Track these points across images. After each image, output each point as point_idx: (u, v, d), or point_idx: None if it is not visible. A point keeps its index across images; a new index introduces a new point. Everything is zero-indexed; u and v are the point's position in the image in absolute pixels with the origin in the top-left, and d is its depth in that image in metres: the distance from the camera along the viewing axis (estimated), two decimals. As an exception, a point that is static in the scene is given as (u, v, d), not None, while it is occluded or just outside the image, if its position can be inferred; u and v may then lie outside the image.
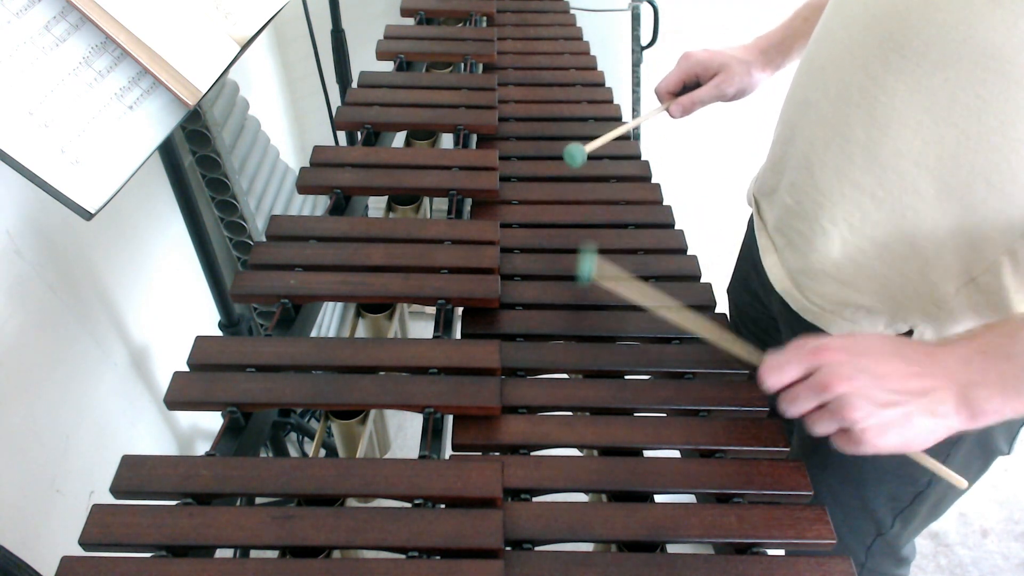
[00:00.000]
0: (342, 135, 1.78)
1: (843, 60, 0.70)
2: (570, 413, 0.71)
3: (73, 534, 0.57)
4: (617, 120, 1.13)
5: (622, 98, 1.26)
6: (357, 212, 0.97)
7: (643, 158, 1.04)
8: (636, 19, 1.82)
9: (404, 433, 1.80)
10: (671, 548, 0.61)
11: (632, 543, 0.60)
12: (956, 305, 0.70)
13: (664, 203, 0.97)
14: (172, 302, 1.38)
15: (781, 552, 0.60)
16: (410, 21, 1.36)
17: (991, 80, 0.58)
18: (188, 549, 0.57)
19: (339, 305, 1.93)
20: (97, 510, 0.58)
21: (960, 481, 0.60)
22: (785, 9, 0.97)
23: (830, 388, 0.54)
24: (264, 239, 0.85)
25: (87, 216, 0.73)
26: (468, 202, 0.98)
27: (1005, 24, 0.56)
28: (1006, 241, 0.64)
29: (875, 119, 0.67)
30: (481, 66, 1.24)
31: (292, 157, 2.04)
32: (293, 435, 1.72)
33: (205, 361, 0.71)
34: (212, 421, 1.56)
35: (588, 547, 0.64)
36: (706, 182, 2.20)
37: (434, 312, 0.79)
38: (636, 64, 1.87)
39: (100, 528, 0.57)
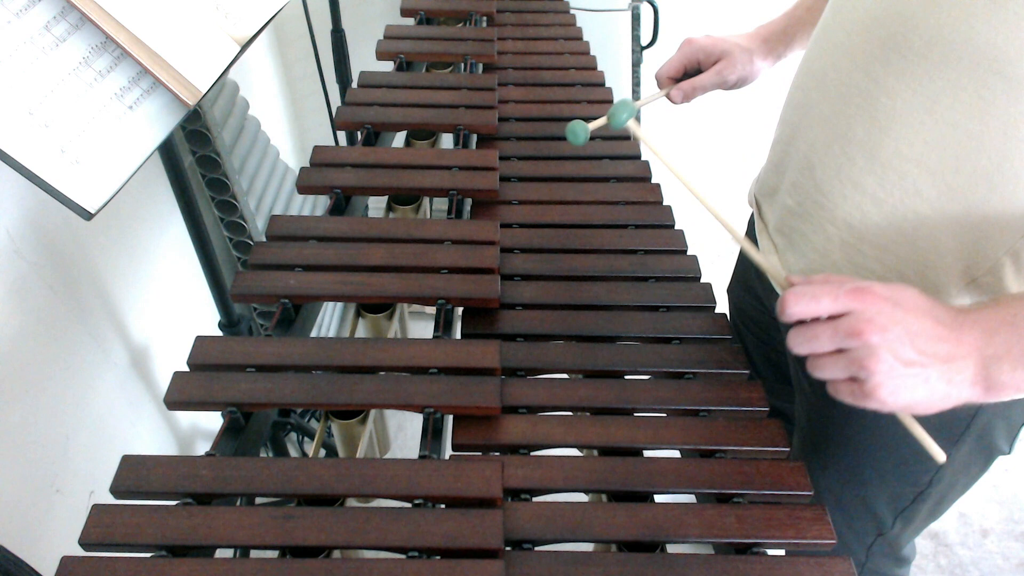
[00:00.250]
0: (342, 135, 1.78)
1: (844, 61, 0.70)
2: (570, 413, 0.71)
3: (73, 534, 0.57)
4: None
5: (622, 96, 1.26)
6: (357, 212, 0.97)
7: (643, 158, 1.04)
8: (636, 19, 1.82)
9: (404, 433, 1.80)
10: (671, 548, 0.61)
11: (632, 543, 0.60)
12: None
13: (664, 203, 0.97)
14: (172, 302, 1.38)
15: (781, 552, 0.60)
16: (410, 21, 1.36)
17: (993, 81, 0.58)
18: (188, 549, 0.57)
19: (339, 305, 1.93)
20: (97, 510, 0.58)
21: (939, 453, 0.59)
22: (785, 8, 0.97)
23: (862, 335, 0.51)
24: (264, 239, 0.85)
25: (87, 216, 0.73)
26: (468, 202, 0.98)
27: (1007, 25, 0.56)
28: (1008, 242, 0.64)
29: (876, 120, 0.67)
30: (481, 66, 1.24)
31: (292, 157, 2.04)
32: (293, 435, 1.72)
33: (205, 361, 0.71)
34: (212, 421, 1.56)
35: (588, 547, 0.64)
36: (706, 182, 2.20)
37: (434, 312, 0.79)
38: (636, 64, 1.87)
39: (100, 528, 0.57)
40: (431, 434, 0.67)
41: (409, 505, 0.60)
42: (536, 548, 0.59)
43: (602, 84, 1.21)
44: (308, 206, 1.81)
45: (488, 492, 0.60)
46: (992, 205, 0.63)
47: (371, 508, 0.59)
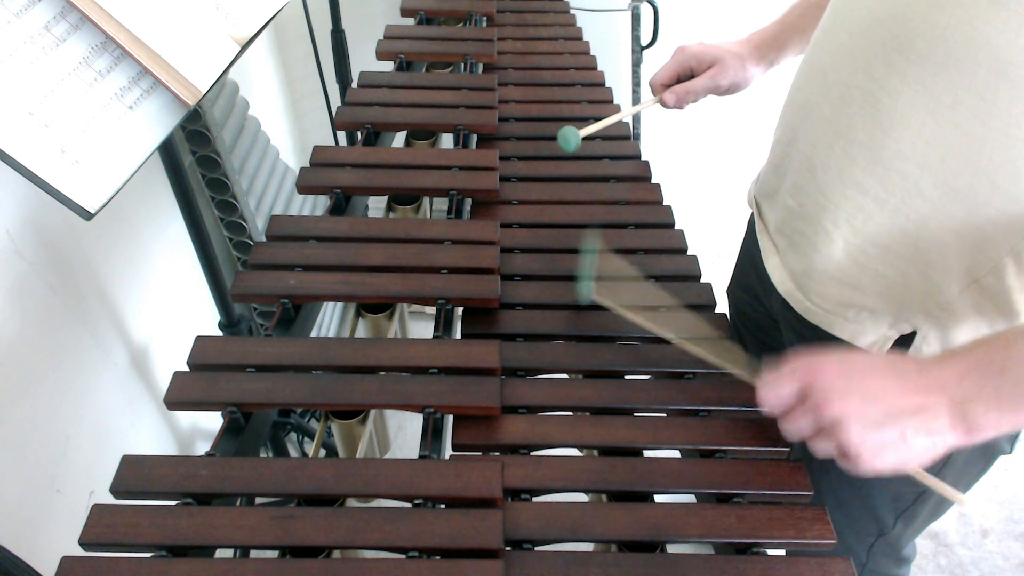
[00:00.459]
0: (342, 135, 1.78)
1: (845, 62, 0.69)
2: (570, 413, 0.71)
3: (73, 534, 0.57)
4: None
5: (622, 98, 1.27)
6: (357, 212, 0.97)
7: (643, 158, 1.04)
8: (636, 19, 1.82)
9: (404, 433, 1.80)
10: (671, 548, 0.61)
11: (632, 543, 0.60)
12: (960, 306, 0.70)
13: (664, 203, 0.97)
14: (172, 302, 1.38)
15: (781, 552, 0.60)
16: (410, 21, 1.36)
17: (995, 82, 0.58)
18: (188, 549, 0.57)
19: (339, 305, 1.93)
20: (97, 510, 0.58)
21: (960, 498, 0.60)
22: (783, 9, 0.97)
23: (822, 410, 0.54)
24: (264, 239, 0.85)
25: (87, 216, 0.73)
26: (468, 202, 0.98)
27: (1009, 26, 0.56)
28: (1010, 242, 0.64)
29: (878, 121, 0.67)
30: (481, 66, 1.24)
31: (292, 157, 2.04)
32: (293, 435, 1.72)
33: (205, 361, 0.71)
34: (212, 421, 1.56)
35: (588, 547, 0.64)
36: (706, 182, 2.20)
37: (434, 312, 0.79)
38: (636, 64, 1.87)
39: (100, 528, 0.57)
40: (431, 434, 0.67)
41: (409, 505, 0.60)
42: (536, 548, 0.59)
43: (602, 84, 1.21)
44: (308, 206, 1.81)
45: (488, 492, 0.60)
46: (994, 206, 0.63)
47: (371, 508, 0.59)
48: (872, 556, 0.93)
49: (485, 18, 1.38)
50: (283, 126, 2.01)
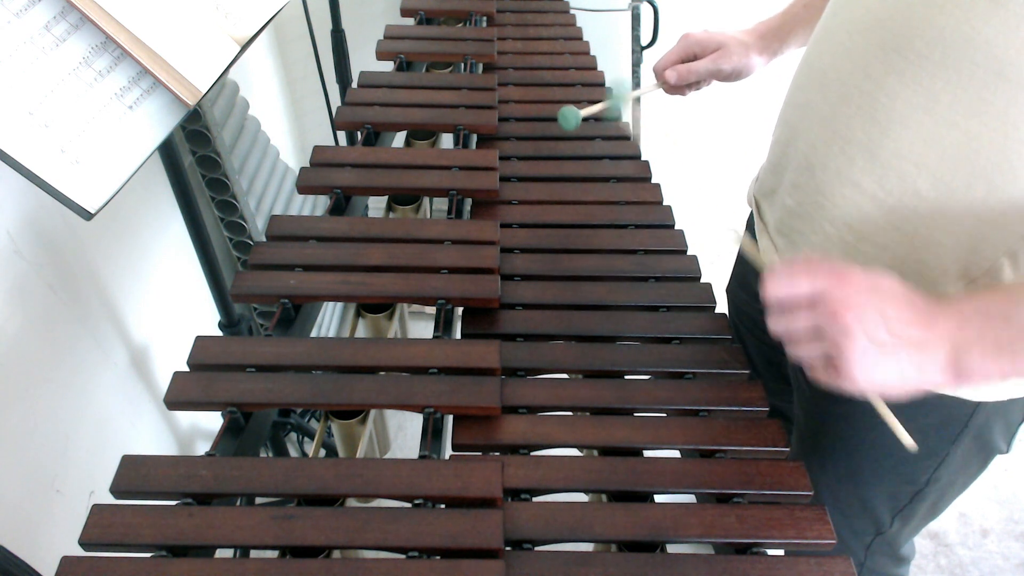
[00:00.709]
0: (342, 135, 1.78)
1: (844, 62, 0.70)
2: (570, 413, 0.71)
3: (73, 534, 0.57)
4: (617, 119, 1.13)
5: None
6: (357, 212, 0.97)
7: (643, 158, 1.04)
8: (636, 19, 1.82)
9: (404, 433, 1.80)
10: (671, 548, 0.61)
11: (632, 543, 0.60)
12: None
13: (664, 203, 0.97)
14: (172, 302, 1.38)
15: (781, 552, 0.60)
16: (410, 21, 1.36)
17: (993, 82, 0.58)
18: (188, 549, 0.57)
19: (339, 305, 1.93)
20: (97, 510, 0.58)
21: (910, 442, 0.59)
22: (784, 6, 0.97)
23: (837, 316, 0.53)
24: (264, 239, 0.85)
25: (87, 216, 0.73)
26: (468, 202, 0.98)
27: (1007, 26, 0.56)
28: (1006, 243, 0.64)
29: (876, 121, 0.67)
30: (481, 66, 1.24)
31: (292, 157, 2.04)
32: (293, 435, 1.72)
33: (205, 361, 0.71)
34: (212, 421, 1.56)
35: (588, 547, 0.64)
36: (706, 182, 2.20)
37: (434, 312, 0.79)
38: (636, 64, 1.87)
39: (100, 528, 0.57)
40: (431, 434, 0.67)
41: (409, 505, 0.60)
42: (536, 548, 0.59)
43: (602, 84, 1.21)
44: (308, 206, 1.81)
45: (488, 492, 0.60)
46: (990, 206, 0.63)
47: (371, 508, 0.59)
48: (870, 555, 0.93)
49: (485, 18, 1.38)
50: (283, 126, 2.01)
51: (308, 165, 0.96)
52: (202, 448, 1.54)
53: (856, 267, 0.56)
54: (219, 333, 1.31)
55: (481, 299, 0.79)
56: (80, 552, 0.56)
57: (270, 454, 1.52)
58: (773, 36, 0.95)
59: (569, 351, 0.76)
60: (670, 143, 2.13)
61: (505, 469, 0.63)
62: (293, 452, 1.69)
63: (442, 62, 1.25)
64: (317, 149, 0.98)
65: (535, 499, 0.63)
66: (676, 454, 0.70)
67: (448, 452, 0.67)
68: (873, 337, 0.53)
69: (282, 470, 0.62)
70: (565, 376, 0.75)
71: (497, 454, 0.67)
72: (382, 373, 0.71)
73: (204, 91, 0.85)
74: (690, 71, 0.95)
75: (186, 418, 1.46)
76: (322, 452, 0.91)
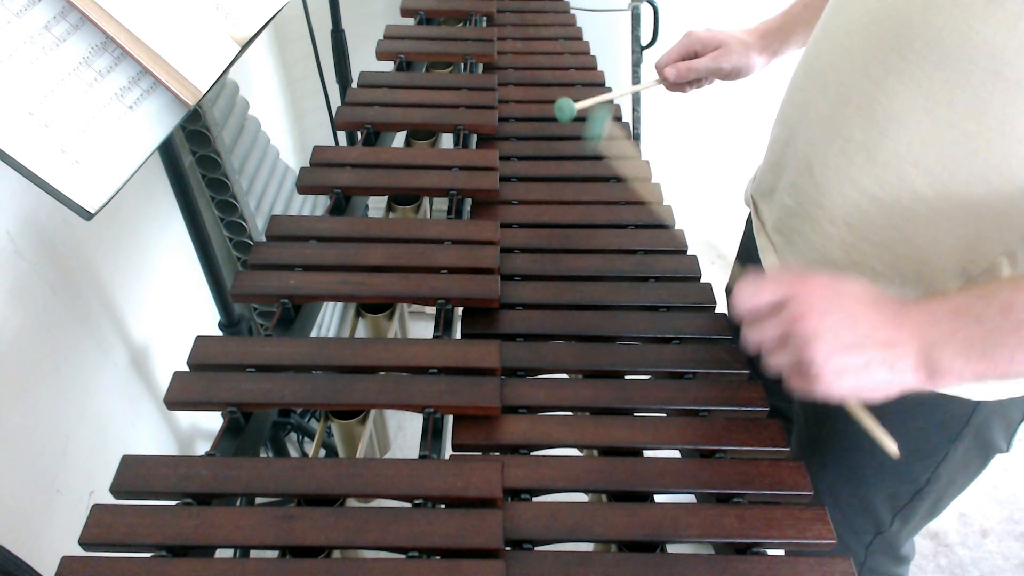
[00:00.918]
0: (342, 135, 1.78)
1: (843, 62, 0.70)
2: (570, 413, 0.71)
3: (73, 534, 0.57)
4: (616, 120, 1.13)
5: (622, 98, 1.26)
6: (357, 212, 0.97)
7: (643, 158, 1.04)
8: (636, 19, 1.82)
9: (404, 433, 1.80)
10: (671, 548, 0.61)
11: (632, 543, 0.60)
12: None
13: (664, 203, 0.97)
14: (172, 302, 1.38)
15: (781, 552, 0.60)
16: (410, 21, 1.36)
17: (991, 82, 0.58)
18: (188, 549, 0.57)
19: (339, 305, 1.92)
20: (97, 510, 0.58)
21: (892, 448, 0.59)
22: (785, 6, 0.97)
23: (800, 319, 0.53)
24: (264, 239, 0.85)
25: (87, 216, 0.73)
26: (468, 202, 0.98)
27: (1005, 26, 0.56)
28: (1004, 242, 0.64)
29: (875, 120, 0.67)
30: (481, 66, 1.24)
31: (292, 157, 2.04)
32: (293, 435, 1.72)
33: (205, 361, 0.71)
34: (212, 421, 1.56)
35: (588, 547, 0.64)
36: (706, 182, 2.20)
37: (434, 312, 0.79)
38: (636, 64, 1.87)
39: (100, 528, 0.57)
40: (431, 434, 0.67)
41: (409, 505, 0.60)
42: (536, 548, 0.59)
43: (602, 84, 1.21)
44: (308, 206, 1.81)
45: (488, 492, 0.60)
46: (988, 206, 0.63)
47: (371, 508, 0.59)
48: (870, 554, 0.93)
49: (485, 18, 1.38)
50: (283, 126, 2.01)
51: (308, 165, 0.96)
52: (202, 448, 1.54)
53: (821, 274, 0.56)
54: (219, 333, 1.31)
55: (481, 299, 0.79)
56: (80, 552, 0.56)
57: (270, 454, 1.52)
58: (774, 36, 0.96)
59: (569, 351, 0.76)
60: (670, 143, 2.13)
61: (505, 469, 0.63)
62: (293, 452, 1.69)
63: (442, 62, 1.25)
64: (317, 149, 0.98)
65: (535, 499, 0.63)
66: (676, 454, 0.70)
67: (448, 452, 0.67)
68: (839, 340, 0.53)
69: (282, 470, 0.62)
70: (565, 376, 0.75)
71: (497, 454, 0.67)
72: (382, 373, 0.71)
73: (204, 91, 0.85)
74: (689, 69, 0.96)
75: (186, 418, 1.46)
76: (322, 452, 0.91)
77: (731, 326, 0.81)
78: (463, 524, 0.58)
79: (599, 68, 1.25)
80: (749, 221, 0.98)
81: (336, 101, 1.55)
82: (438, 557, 0.57)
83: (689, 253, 0.88)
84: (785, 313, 0.55)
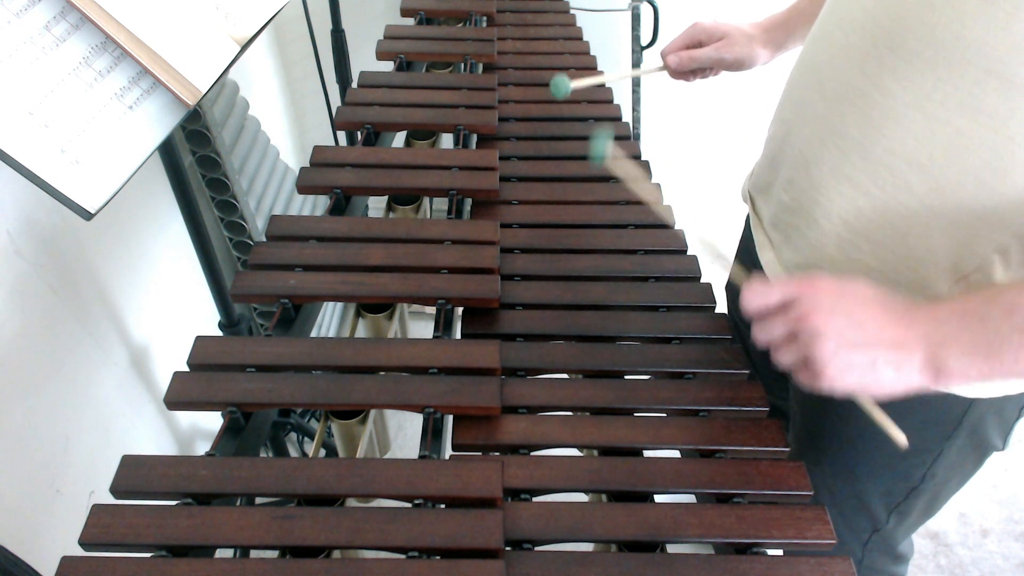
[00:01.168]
0: (342, 135, 1.78)
1: (839, 59, 0.70)
2: (570, 413, 0.71)
3: (73, 534, 0.57)
4: (617, 120, 1.13)
5: (622, 98, 1.26)
6: (357, 212, 0.97)
7: (643, 158, 1.04)
8: (636, 19, 1.82)
9: (404, 433, 1.80)
10: (671, 548, 0.61)
11: (632, 543, 0.60)
12: None
13: (664, 203, 0.97)
14: (172, 302, 1.38)
15: (781, 552, 0.60)
16: (410, 21, 1.36)
17: (984, 79, 0.58)
18: (188, 549, 0.57)
19: (339, 305, 1.92)
20: (97, 510, 0.58)
21: (901, 438, 0.60)
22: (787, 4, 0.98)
23: (806, 319, 0.55)
24: (264, 239, 0.85)
25: (87, 216, 0.73)
26: (468, 202, 0.98)
27: (998, 23, 0.56)
28: (997, 239, 0.64)
29: (870, 118, 0.67)
30: (481, 66, 1.24)
31: (292, 157, 2.04)
32: (293, 435, 1.72)
33: (205, 361, 0.71)
34: (212, 421, 1.55)
35: (588, 547, 0.64)
36: (707, 181, 2.20)
37: (434, 312, 0.79)
38: (636, 64, 1.87)
39: (100, 528, 0.57)
40: (431, 434, 0.67)
41: (409, 505, 0.60)
42: (536, 548, 0.59)
43: (602, 85, 1.21)
44: (308, 206, 1.81)
45: (488, 492, 0.60)
46: (981, 203, 0.63)
47: (371, 508, 0.59)
48: (868, 552, 0.93)
49: (485, 18, 1.38)
50: (283, 126, 2.01)
51: (308, 165, 0.96)
52: (202, 448, 1.54)
53: (828, 275, 0.58)
54: (219, 333, 1.31)
55: (481, 299, 0.79)
56: (80, 552, 0.56)
57: (270, 454, 1.52)
58: (778, 29, 0.97)
59: (569, 351, 0.76)
60: (670, 143, 2.13)
61: (505, 469, 0.63)
62: (293, 452, 1.69)
63: (442, 62, 1.25)
64: (317, 149, 0.98)
65: (535, 499, 0.63)
66: (676, 454, 0.70)
67: (448, 452, 0.67)
68: (844, 338, 0.54)
69: (282, 470, 0.62)
70: (565, 376, 0.75)
71: (497, 454, 0.67)
72: (382, 373, 0.71)
73: (204, 91, 0.85)
74: (692, 59, 0.98)
75: (186, 418, 1.46)
76: (322, 452, 0.91)
77: (732, 323, 0.82)
78: (463, 524, 0.58)
79: (599, 68, 1.25)
80: (748, 217, 0.98)
81: (336, 101, 1.55)
82: (438, 557, 0.57)
83: (689, 253, 0.88)
84: (792, 312, 0.56)
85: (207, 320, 1.36)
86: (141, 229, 1.27)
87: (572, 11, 1.47)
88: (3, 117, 0.68)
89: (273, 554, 0.58)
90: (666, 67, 1.00)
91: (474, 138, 1.07)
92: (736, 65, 0.98)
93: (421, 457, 0.65)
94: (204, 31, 0.88)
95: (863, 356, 0.54)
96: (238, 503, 0.65)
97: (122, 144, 0.78)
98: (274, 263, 0.81)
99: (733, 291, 1.08)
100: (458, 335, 0.79)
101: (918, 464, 0.81)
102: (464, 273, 0.81)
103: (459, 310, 0.81)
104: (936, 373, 0.55)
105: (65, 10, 0.75)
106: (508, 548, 0.58)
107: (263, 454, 0.92)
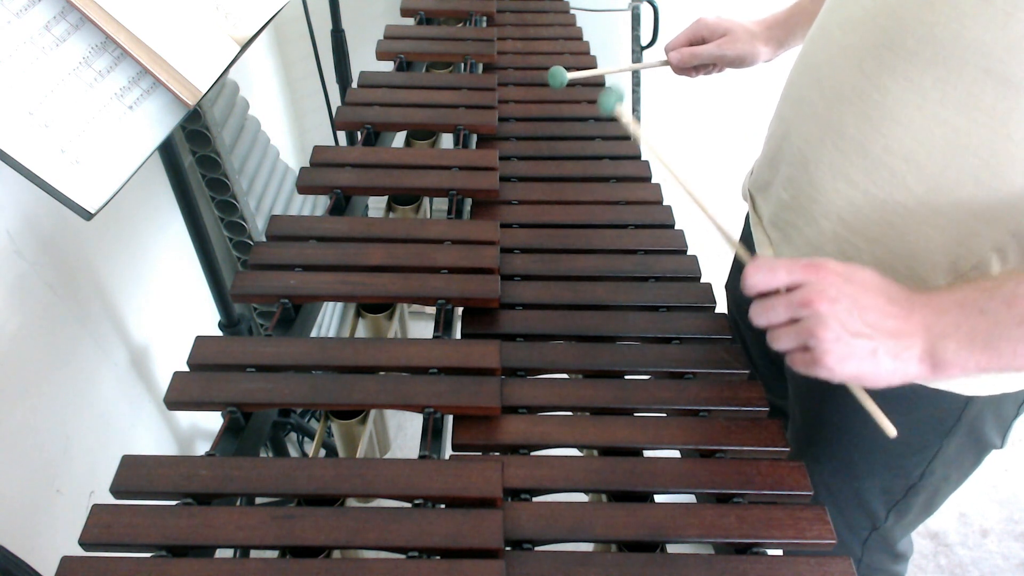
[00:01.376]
0: (342, 135, 1.78)
1: (839, 58, 0.70)
2: (570, 413, 0.71)
3: (73, 534, 0.57)
4: (616, 120, 1.13)
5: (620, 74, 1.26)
6: (357, 212, 0.97)
7: (643, 158, 1.04)
8: (636, 19, 1.82)
9: (404, 433, 1.80)
10: (671, 548, 0.61)
11: (632, 543, 0.60)
12: None
13: (664, 203, 0.97)
14: (172, 302, 1.38)
15: (781, 552, 0.60)
16: (410, 21, 1.36)
17: (981, 79, 0.58)
18: (188, 549, 0.57)
19: (339, 305, 1.93)
20: (97, 510, 0.58)
21: (889, 428, 0.60)
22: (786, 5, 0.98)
23: (811, 304, 0.54)
24: (264, 239, 0.85)
25: (87, 216, 0.73)
26: (468, 202, 0.98)
27: (995, 23, 0.56)
28: (994, 238, 0.65)
29: (868, 116, 0.67)
30: (481, 66, 1.24)
31: (292, 157, 2.04)
32: (293, 435, 1.72)
33: (205, 361, 0.71)
34: (212, 421, 1.56)
35: (588, 547, 0.64)
36: (707, 180, 2.20)
37: (434, 312, 0.79)
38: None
39: (100, 528, 0.57)
40: (431, 434, 0.67)
41: (409, 505, 0.60)
42: (536, 548, 0.59)
43: (602, 85, 1.21)
44: (308, 206, 1.81)
45: (488, 492, 0.60)
46: (978, 202, 0.63)
47: (371, 508, 0.59)
48: (867, 550, 0.93)
49: (485, 18, 1.38)
50: (283, 126, 2.01)
51: (308, 165, 0.96)
52: (202, 448, 1.54)
53: (834, 260, 0.57)
54: (219, 333, 1.31)
55: (481, 299, 0.79)
56: (80, 552, 0.56)
57: (270, 454, 1.52)
58: (780, 26, 0.99)
59: (569, 351, 0.76)
60: (671, 143, 2.13)
61: (505, 469, 0.63)
62: (293, 452, 1.69)
63: (442, 62, 1.25)
64: (317, 149, 0.98)
65: (535, 499, 0.63)
66: (676, 454, 0.70)
67: (448, 452, 0.67)
68: (847, 325, 0.54)
69: (282, 470, 0.62)
70: (565, 376, 0.75)
71: (497, 454, 0.67)
72: (382, 373, 0.71)
73: (204, 91, 0.85)
74: (693, 55, 0.99)
75: (186, 418, 1.46)
76: (322, 452, 0.91)
77: (732, 323, 0.82)
78: (463, 524, 0.58)
79: (599, 67, 1.25)
80: (747, 216, 0.98)
81: (336, 101, 1.55)
82: (438, 557, 0.57)
83: (689, 253, 0.88)
84: (795, 296, 0.55)
85: (207, 320, 1.36)
86: (141, 229, 1.27)
87: (572, 11, 1.47)
88: (3, 117, 0.68)
89: (273, 554, 0.58)
90: (668, 63, 1.01)
91: (474, 138, 1.07)
92: (738, 62, 0.99)
93: (421, 457, 0.65)
94: (204, 31, 0.88)
95: (864, 345, 0.54)
96: (238, 503, 0.65)
97: (122, 144, 0.78)
98: (274, 263, 0.81)
99: (733, 291, 1.08)
100: (458, 335, 0.79)
101: (917, 462, 0.81)
102: (464, 273, 0.81)
103: (459, 310, 0.81)
104: (934, 364, 0.54)
105: (65, 10, 0.75)
106: (508, 548, 0.58)
107: (263, 454, 0.92)
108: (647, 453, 0.67)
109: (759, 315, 0.58)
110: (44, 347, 1.01)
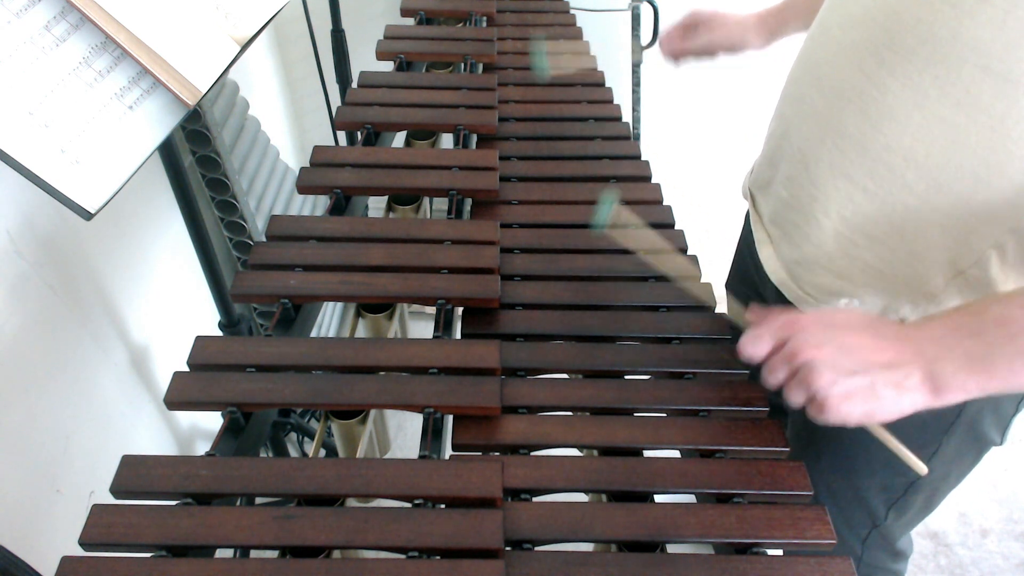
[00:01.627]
0: (342, 135, 1.78)
1: (838, 57, 0.70)
2: (570, 413, 0.71)
3: (73, 534, 0.57)
4: (617, 120, 1.13)
5: (622, 98, 1.26)
6: (357, 212, 0.97)
7: (643, 158, 1.04)
8: (636, 19, 1.81)
9: (404, 433, 1.80)
10: (671, 548, 0.61)
11: (632, 543, 0.60)
12: (946, 297, 0.71)
13: (664, 203, 0.97)
14: (172, 302, 1.38)
15: (781, 552, 0.60)
16: (410, 21, 1.36)
17: (980, 76, 0.59)
18: (188, 549, 0.57)
19: (339, 305, 1.93)
20: (97, 510, 0.58)
21: (920, 466, 0.60)
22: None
23: (798, 356, 0.56)
24: (264, 239, 0.85)
25: (87, 216, 0.73)
26: (468, 202, 0.98)
27: (993, 22, 0.57)
28: (993, 235, 0.65)
29: (868, 115, 0.67)
30: (481, 66, 1.24)
31: (292, 157, 2.04)
32: (293, 435, 1.72)
33: (205, 361, 0.71)
34: (212, 421, 1.56)
35: (588, 547, 0.64)
36: (706, 181, 2.20)
37: (434, 312, 0.79)
38: (636, 64, 1.87)
39: (100, 528, 0.57)
40: (431, 434, 0.67)
41: (409, 505, 0.60)
42: (536, 548, 0.59)
43: (602, 84, 1.21)
44: (308, 206, 1.81)
45: (488, 492, 0.60)
46: (978, 199, 0.64)
47: (371, 508, 0.59)
48: (867, 549, 0.93)
49: (485, 18, 1.38)
50: (283, 126, 2.01)
51: (308, 165, 0.96)
52: (202, 448, 1.54)
53: (812, 310, 0.60)
54: (219, 333, 1.31)
55: (481, 299, 0.79)
56: (80, 552, 0.56)
57: (270, 454, 1.52)
58: (772, 17, 1.01)
59: (569, 351, 0.76)
60: (670, 142, 2.13)
61: (505, 469, 0.63)
62: (293, 452, 1.69)
63: (442, 62, 1.25)
64: (317, 149, 0.98)
65: (535, 499, 0.63)
66: (676, 454, 0.70)
67: (448, 452, 0.67)
68: (838, 367, 0.55)
69: (282, 470, 0.62)
70: (565, 376, 0.75)
71: (497, 454, 0.67)
72: (382, 373, 0.71)
73: (204, 91, 0.85)
74: (683, 46, 1.04)
75: (186, 418, 1.46)
76: (322, 452, 0.91)
77: (732, 328, 0.82)
78: (463, 524, 0.58)
79: (599, 68, 1.25)
80: (748, 215, 0.98)
81: (336, 101, 1.55)
82: (438, 557, 0.57)
83: (689, 253, 0.88)
84: (785, 353, 0.58)
85: (207, 320, 1.36)
86: (141, 229, 1.27)
87: (572, 11, 1.47)
88: (3, 117, 0.68)
89: (273, 554, 0.58)
90: (661, 48, 1.06)
91: (474, 138, 1.07)
92: (727, 46, 1.02)
93: (421, 457, 0.65)
94: (204, 31, 0.88)
95: (860, 381, 0.55)
96: (238, 503, 0.65)
97: (122, 144, 0.78)
98: (274, 263, 0.81)
99: (733, 287, 1.08)
100: (458, 335, 0.79)
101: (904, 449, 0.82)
102: (464, 273, 0.81)
103: (459, 310, 0.81)
104: (935, 388, 0.55)
105: (65, 10, 0.75)
106: (508, 548, 0.58)
107: (263, 454, 0.92)
108: (647, 453, 0.67)
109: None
110: (44, 347, 1.01)
